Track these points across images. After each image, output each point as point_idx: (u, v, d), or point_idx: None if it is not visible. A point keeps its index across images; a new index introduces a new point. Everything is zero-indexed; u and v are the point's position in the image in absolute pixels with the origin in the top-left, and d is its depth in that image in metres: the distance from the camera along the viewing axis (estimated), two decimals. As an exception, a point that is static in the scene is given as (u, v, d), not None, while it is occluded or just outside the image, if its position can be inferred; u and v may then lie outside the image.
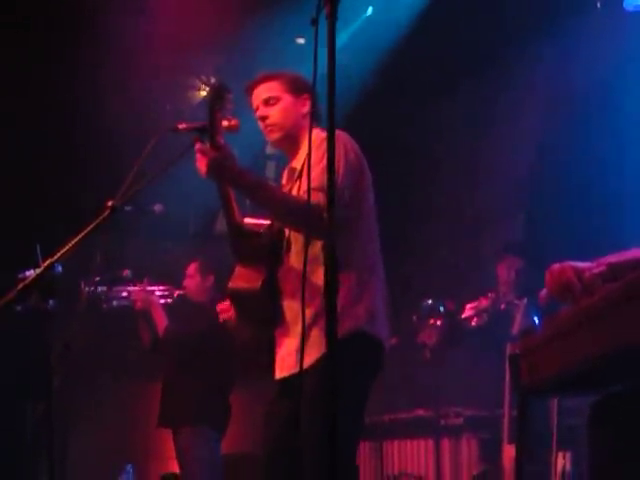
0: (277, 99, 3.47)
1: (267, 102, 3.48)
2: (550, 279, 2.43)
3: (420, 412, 5.73)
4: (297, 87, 3.47)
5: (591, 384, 2.45)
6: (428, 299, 6.06)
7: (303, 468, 3.20)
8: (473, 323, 5.78)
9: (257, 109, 3.50)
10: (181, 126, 3.31)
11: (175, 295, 6.01)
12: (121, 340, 6.94)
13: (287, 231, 3.40)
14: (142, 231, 6.59)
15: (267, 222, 3.47)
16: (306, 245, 2.94)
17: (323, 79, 2.38)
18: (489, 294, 5.76)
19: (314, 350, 3.16)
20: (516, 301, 5.52)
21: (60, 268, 3.11)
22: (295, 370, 3.25)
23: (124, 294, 5.86)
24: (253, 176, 3.35)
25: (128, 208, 3.40)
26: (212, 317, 5.18)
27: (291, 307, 3.33)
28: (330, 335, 2.25)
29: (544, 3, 6.30)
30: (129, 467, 6.15)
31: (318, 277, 2.97)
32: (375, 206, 3.45)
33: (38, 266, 3.13)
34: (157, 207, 4.93)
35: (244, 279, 3.41)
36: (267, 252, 3.41)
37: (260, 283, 3.35)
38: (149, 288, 5.88)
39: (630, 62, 6.01)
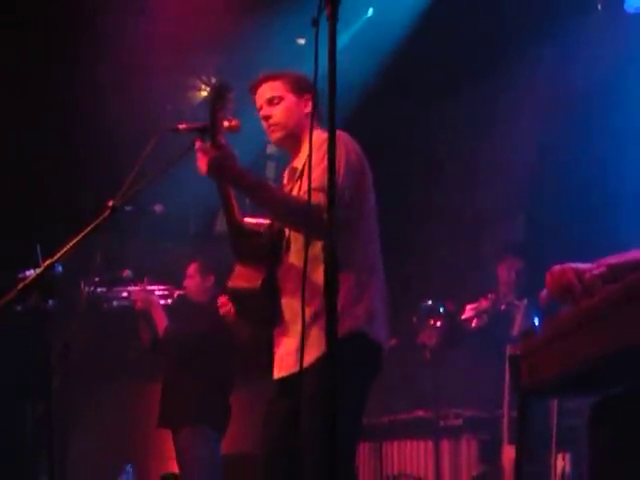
0: (280, 99, 3.48)
1: (270, 101, 3.48)
2: (550, 280, 2.43)
3: (420, 413, 5.73)
4: (300, 87, 3.48)
5: (591, 385, 2.45)
6: (428, 300, 6.05)
7: (303, 468, 3.20)
8: (473, 324, 5.78)
9: (260, 108, 3.51)
10: (181, 126, 3.32)
11: (175, 295, 6.00)
12: (121, 340, 6.94)
13: (287, 231, 3.40)
14: (142, 231, 6.59)
15: (267, 222, 3.47)
16: (306, 245, 2.94)
17: (324, 80, 2.38)
18: (489, 295, 5.76)
19: (313, 349, 3.16)
20: (516, 302, 5.53)
21: (60, 268, 3.11)
22: (294, 370, 3.25)
23: (124, 294, 5.86)
24: (254, 176, 3.36)
25: (128, 208, 3.40)
26: (212, 317, 5.20)
27: (290, 306, 3.33)
28: (330, 335, 2.25)
29: (545, 4, 6.30)
30: (129, 467, 6.15)
31: (318, 276, 2.97)
32: (376, 207, 3.45)
33: (38, 266, 3.13)
34: (157, 207, 4.92)
35: (244, 278, 3.41)
36: (267, 251, 3.42)
37: (260, 282, 3.35)
38: (149, 288, 5.87)
39: (630, 63, 6.02)
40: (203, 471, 5.63)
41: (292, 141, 3.50)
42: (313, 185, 2.76)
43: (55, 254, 3.04)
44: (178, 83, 7.50)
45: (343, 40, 6.65)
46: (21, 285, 3.02)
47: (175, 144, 3.21)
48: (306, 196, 2.80)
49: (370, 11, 7.06)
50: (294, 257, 3.34)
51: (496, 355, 4.79)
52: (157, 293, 5.93)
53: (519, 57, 6.51)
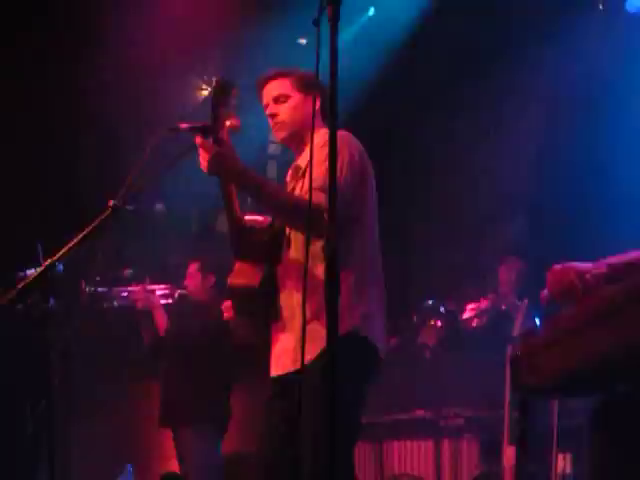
0: (287, 97, 3.47)
1: (277, 100, 3.47)
2: (551, 280, 2.43)
3: (420, 413, 5.72)
4: (307, 85, 3.46)
5: (592, 385, 2.45)
6: (428, 299, 6.06)
7: (302, 467, 3.20)
8: (474, 324, 5.78)
9: (267, 106, 3.50)
10: (182, 126, 3.31)
11: (176, 295, 6.00)
12: (121, 340, 6.94)
13: (288, 229, 3.40)
14: (143, 230, 6.59)
15: (268, 219, 3.47)
16: (307, 243, 2.94)
17: (325, 79, 2.38)
18: (490, 295, 5.77)
19: (311, 347, 3.15)
20: (517, 302, 5.53)
21: (61, 267, 3.11)
22: (291, 368, 3.25)
23: (125, 294, 5.85)
24: (255, 173, 3.35)
25: (129, 208, 3.39)
26: (213, 317, 5.20)
27: (289, 303, 3.32)
28: (331, 333, 2.25)
29: (546, 4, 6.30)
30: (129, 467, 6.14)
31: (318, 274, 2.97)
32: (376, 207, 3.45)
33: (39, 265, 3.12)
34: (158, 207, 4.93)
35: (243, 275, 3.40)
36: (267, 249, 3.41)
37: (259, 280, 3.34)
38: (150, 288, 5.87)
39: (632, 63, 6.02)
40: (203, 471, 5.63)
41: (297, 140, 3.49)
42: (315, 184, 2.76)
43: (56, 253, 3.04)
44: (179, 83, 7.50)
45: (344, 40, 6.64)
46: (22, 284, 3.01)
47: (175, 144, 3.21)
48: (307, 195, 2.80)
49: (371, 10, 7.06)
50: (294, 255, 3.34)
51: (496, 355, 4.80)
52: (158, 292, 5.93)
53: (520, 57, 6.51)
